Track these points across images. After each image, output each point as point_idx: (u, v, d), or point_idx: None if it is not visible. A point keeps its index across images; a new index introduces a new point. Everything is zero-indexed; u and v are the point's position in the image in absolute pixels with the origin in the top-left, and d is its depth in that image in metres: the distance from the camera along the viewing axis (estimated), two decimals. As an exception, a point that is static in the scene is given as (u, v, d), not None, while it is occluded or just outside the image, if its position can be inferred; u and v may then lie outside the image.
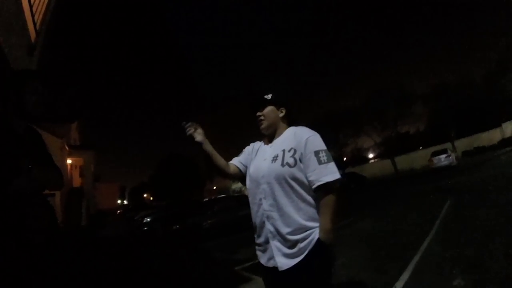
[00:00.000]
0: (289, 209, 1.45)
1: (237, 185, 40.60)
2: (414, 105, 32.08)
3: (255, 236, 1.60)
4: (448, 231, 4.70)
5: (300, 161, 1.48)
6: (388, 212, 7.61)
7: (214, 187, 44.87)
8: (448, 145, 27.12)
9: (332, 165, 1.46)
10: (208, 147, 1.63)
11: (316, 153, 1.46)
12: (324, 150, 1.49)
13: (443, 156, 19.36)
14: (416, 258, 3.71)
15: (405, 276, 3.22)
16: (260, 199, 1.53)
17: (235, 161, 1.77)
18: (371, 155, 44.62)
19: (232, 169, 1.73)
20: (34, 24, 3.76)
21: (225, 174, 1.72)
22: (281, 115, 1.67)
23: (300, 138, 1.52)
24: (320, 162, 1.45)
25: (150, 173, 43.53)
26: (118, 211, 37.56)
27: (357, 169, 34.12)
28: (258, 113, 1.66)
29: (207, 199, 15.47)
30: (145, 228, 13.80)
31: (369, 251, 4.44)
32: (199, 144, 1.60)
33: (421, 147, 36.48)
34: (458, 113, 29.61)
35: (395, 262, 3.72)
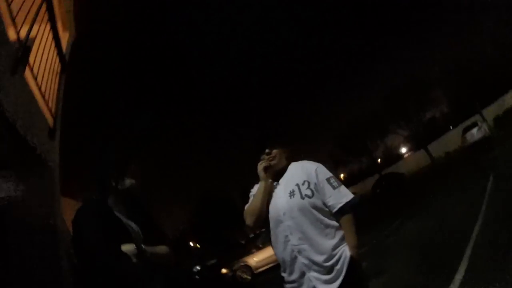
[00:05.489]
0: (318, 237, 1.53)
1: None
2: (431, 90, 31.36)
3: (285, 274, 1.62)
4: (495, 218, 4.25)
5: (316, 190, 1.60)
6: (432, 209, 7.26)
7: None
8: (477, 118, 25.66)
9: (343, 188, 1.63)
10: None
11: (328, 180, 1.62)
12: (333, 176, 1.65)
13: (474, 130, 18.28)
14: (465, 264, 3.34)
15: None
16: (286, 236, 1.56)
17: None
18: (403, 150, 42.93)
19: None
20: (50, 110, 4.00)
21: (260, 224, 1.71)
22: (285, 154, 1.78)
23: (309, 170, 1.66)
24: (334, 188, 1.60)
25: (186, 219, 42.46)
26: None
27: (393, 168, 33.11)
28: (268, 151, 1.73)
29: (252, 236, 15.38)
30: (197, 277, 13.89)
31: (414, 262, 4.17)
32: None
33: (451, 127, 34.95)
34: (475, 83, 28.24)
35: (444, 268, 3.51)
